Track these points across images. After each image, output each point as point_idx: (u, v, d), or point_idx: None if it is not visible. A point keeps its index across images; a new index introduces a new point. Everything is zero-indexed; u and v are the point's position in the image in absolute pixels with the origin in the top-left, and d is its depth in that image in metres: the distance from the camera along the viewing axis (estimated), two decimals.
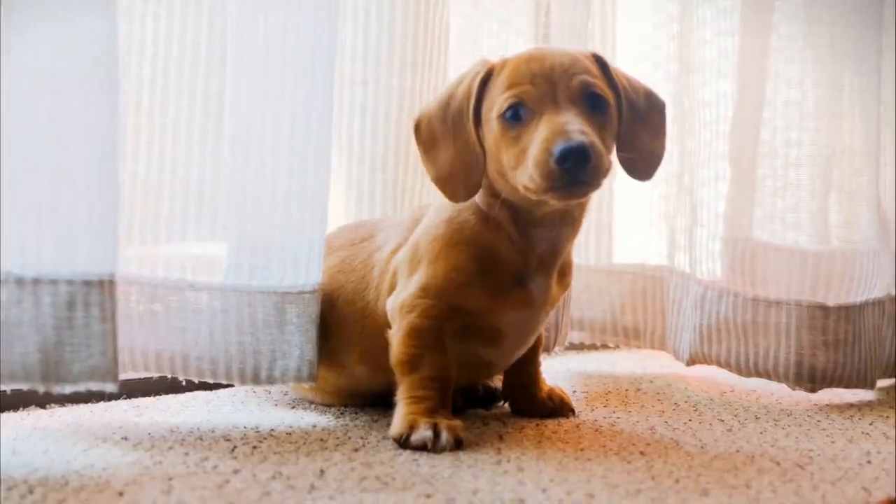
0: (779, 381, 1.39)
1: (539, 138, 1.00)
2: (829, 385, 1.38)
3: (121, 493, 0.86)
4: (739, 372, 1.42)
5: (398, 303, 1.10)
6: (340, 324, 1.17)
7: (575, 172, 0.98)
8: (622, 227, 1.64)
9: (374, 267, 1.17)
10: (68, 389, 0.97)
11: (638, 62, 1.60)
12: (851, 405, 1.35)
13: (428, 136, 1.10)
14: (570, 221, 1.11)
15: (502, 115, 1.04)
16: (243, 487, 0.89)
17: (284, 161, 1.13)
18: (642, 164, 1.12)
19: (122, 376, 1.24)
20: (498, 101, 1.05)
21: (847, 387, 1.39)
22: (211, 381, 1.15)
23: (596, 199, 1.57)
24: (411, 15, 1.37)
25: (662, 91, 1.52)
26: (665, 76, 1.55)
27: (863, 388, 1.40)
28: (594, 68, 1.07)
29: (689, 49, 1.48)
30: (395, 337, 1.10)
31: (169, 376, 1.15)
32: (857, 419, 1.26)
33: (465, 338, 1.11)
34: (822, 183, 1.44)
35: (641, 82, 1.15)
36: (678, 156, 1.51)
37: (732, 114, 1.45)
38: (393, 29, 1.36)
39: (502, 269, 1.09)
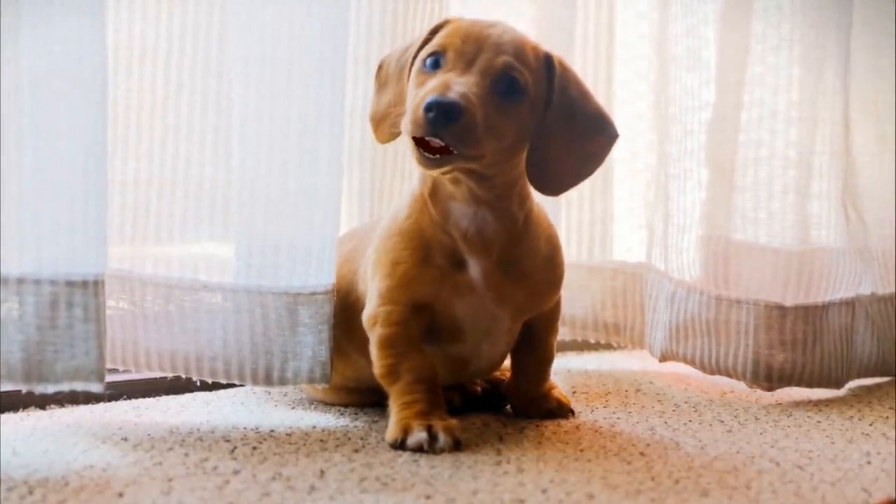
0: (738, 379, 1.39)
1: (426, 87, 1.01)
2: (788, 384, 1.38)
3: (121, 494, 0.86)
4: (703, 369, 1.42)
5: (366, 316, 1.11)
6: (342, 312, 1.17)
7: (436, 126, 0.97)
8: (608, 225, 1.62)
9: (363, 262, 1.17)
10: (51, 389, 0.97)
11: (634, 60, 1.59)
12: (851, 406, 1.34)
13: (384, 76, 1.14)
14: (487, 203, 1.08)
15: (423, 60, 1.05)
16: (243, 488, 0.89)
17: (295, 159, 1.13)
18: (544, 177, 1.08)
19: (127, 376, 1.25)
20: (427, 47, 1.06)
21: (809, 386, 1.39)
22: (224, 381, 1.15)
23: (584, 196, 1.59)
24: (389, 13, 1.36)
25: (650, 90, 1.55)
26: (651, 74, 1.54)
27: (827, 387, 1.40)
28: (532, 61, 1.06)
29: (669, 49, 1.47)
30: (372, 351, 1.10)
31: (170, 376, 1.15)
32: (857, 420, 1.26)
33: (431, 337, 1.11)
34: (792, 183, 1.43)
35: (600, 106, 1.12)
36: (658, 156, 1.51)
37: (711, 115, 1.44)
38: (370, 27, 1.35)
39: (435, 250, 1.09)
